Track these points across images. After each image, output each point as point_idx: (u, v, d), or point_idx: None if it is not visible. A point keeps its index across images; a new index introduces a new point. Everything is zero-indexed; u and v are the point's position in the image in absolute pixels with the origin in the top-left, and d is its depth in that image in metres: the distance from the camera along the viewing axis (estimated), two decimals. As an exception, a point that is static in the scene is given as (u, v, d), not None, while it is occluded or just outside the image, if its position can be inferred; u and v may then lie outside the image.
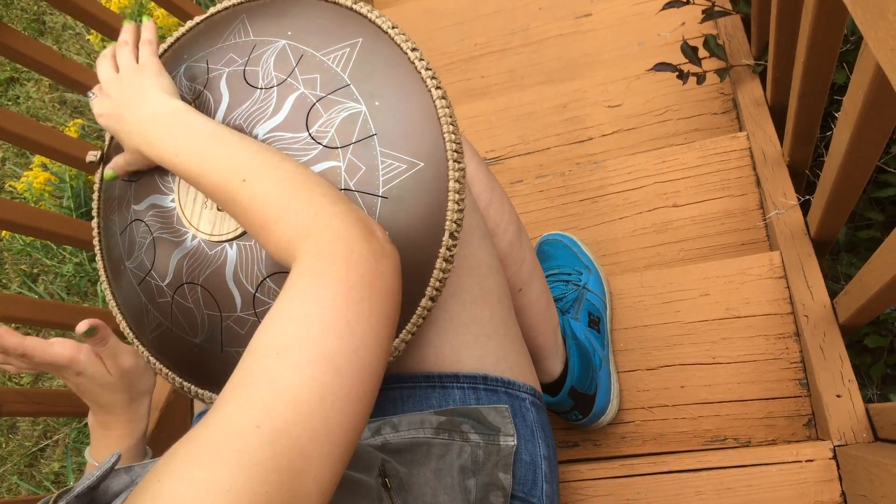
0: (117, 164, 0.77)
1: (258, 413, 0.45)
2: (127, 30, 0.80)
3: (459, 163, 0.71)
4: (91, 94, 0.77)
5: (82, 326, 0.71)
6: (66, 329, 1.17)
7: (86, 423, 1.84)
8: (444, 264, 0.71)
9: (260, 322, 0.70)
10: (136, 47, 0.79)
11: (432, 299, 0.71)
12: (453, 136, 0.71)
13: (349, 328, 0.50)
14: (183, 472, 0.42)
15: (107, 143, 0.84)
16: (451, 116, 0.72)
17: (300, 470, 0.44)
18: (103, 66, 0.78)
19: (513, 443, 0.76)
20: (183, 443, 0.45)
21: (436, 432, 0.72)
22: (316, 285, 0.51)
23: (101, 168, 0.84)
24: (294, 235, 0.56)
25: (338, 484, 0.48)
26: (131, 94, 0.73)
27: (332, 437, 0.47)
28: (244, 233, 0.70)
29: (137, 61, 0.76)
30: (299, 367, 0.47)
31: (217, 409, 0.46)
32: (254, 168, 0.61)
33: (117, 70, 0.77)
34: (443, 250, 0.70)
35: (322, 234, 0.55)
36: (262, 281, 0.70)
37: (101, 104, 0.75)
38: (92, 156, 0.84)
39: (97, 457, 0.78)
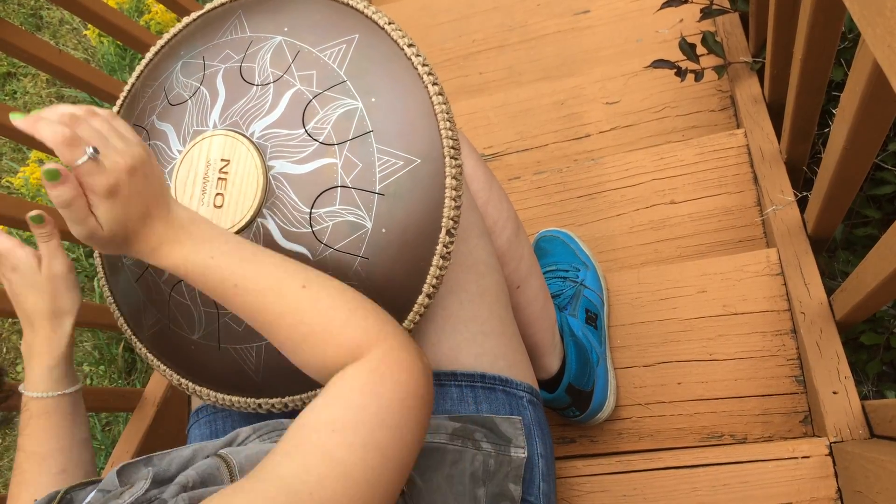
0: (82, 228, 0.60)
1: (312, 481, 0.48)
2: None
3: (456, 159, 0.71)
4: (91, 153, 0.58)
5: (34, 212, 0.71)
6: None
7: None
8: (442, 261, 0.71)
9: None
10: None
11: (429, 296, 0.71)
12: (450, 133, 0.71)
13: (399, 428, 0.54)
14: None
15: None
16: (447, 113, 0.72)
17: None
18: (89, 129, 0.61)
19: (523, 455, 0.77)
20: (238, 492, 0.48)
21: (450, 438, 0.72)
22: (379, 384, 0.55)
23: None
24: (364, 339, 0.59)
25: None
26: (150, 182, 0.61)
27: None
28: (241, 229, 0.70)
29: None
30: (353, 448, 0.51)
31: (270, 468, 0.49)
32: (310, 275, 0.62)
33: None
34: (440, 247, 0.70)
35: (391, 341, 0.59)
36: None
37: (111, 170, 0.58)
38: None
39: (27, 384, 0.76)
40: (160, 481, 0.56)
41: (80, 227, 0.59)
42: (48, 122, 0.57)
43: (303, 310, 0.60)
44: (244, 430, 0.66)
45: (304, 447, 0.51)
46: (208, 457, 0.58)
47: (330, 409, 0.54)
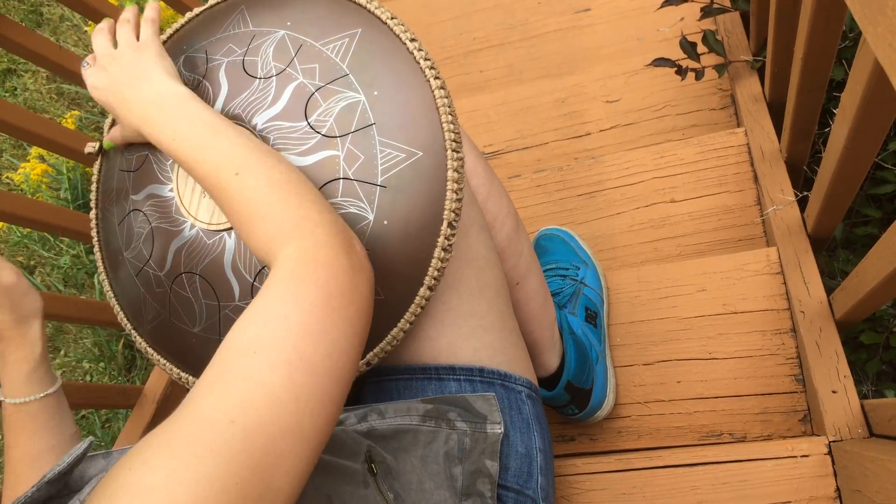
0: (114, 135, 0.79)
1: (234, 409, 0.46)
2: (129, 10, 0.80)
3: (458, 152, 0.71)
4: (85, 64, 0.77)
5: None
6: (64, 321, 1.17)
7: (83, 416, 1.84)
8: (443, 254, 0.71)
9: None
10: (137, 26, 0.78)
11: (430, 289, 0.71)
12: (452, 126, 0.71)
13: (326, 333, 0.51)
14: (155, 462, 0.42)
15: (104, 135, 0.84)
16: (449, 107, 0.72)
17: (272, 465, 0.45)
18: (100, 40, 0.77)
19: (499, 430, 0.77)
20: (156, 434, 0.45)
21: (422, 419, 0.73)
22: (297, 288, 0.53)
23: (99, 159, 0.84)
24: (277, 235, 0.58)
25: (307, 479, 0.49)
26: (133, 72, 0.72)
27: (305, 435, 0.48)
28: None
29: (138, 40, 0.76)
30: (276, 367, 0.48)
31: (192, 402, 0.47)
32: (248, 164, 0.62)
33: (115, 45, 0.76)
34: (441, 240, 0.70)
35: (306, 239, 0.56)
36: (260, 270, 0.70)
37: (97, 77, 0.74)
38: (90, 147, 0.84)
39: (7, 392, 0.77)
40: None
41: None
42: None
43: (231, 198, 0.61)
44: None
45: (226, 377, 0.48)
46: None
47: (252, 325, 0.51)
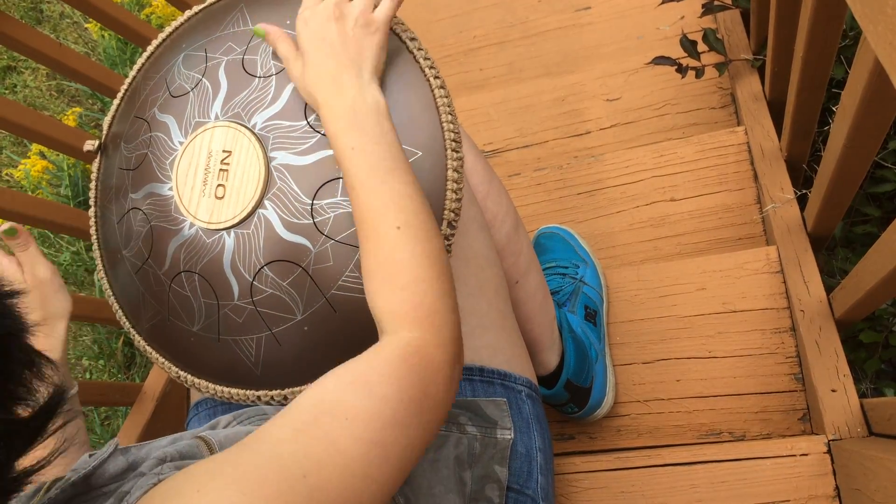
0: (273, 34, 0.71)
1: (310, 466, 0.47)
2: None
3: (458, 152, 0.71)
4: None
5: (4, 225, 0.72)
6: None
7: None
8: None
9: (257, 310, 0.70)
10: None
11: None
12: (452, 126, 0.71)
13: (409, 428, 0.53)
14: (226, 493, 0.43)
15: (104, 132, 0.83)
16: (449, 106, 0.72)
17: None
18: None
19: (510, 436, 0.77)
20: (229, 459, 0.46)
21: None
22: (405, 378, 0.54)
23: (98, 157, 0.83)
24: (409, 312, 0.59)
25: None
26: (350, 52, 0.66)
27: None
28: (242, 221, 0.70)
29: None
30: (359, 442, 0.50)
31: (273, 440, 0.48)
32: (412, 222, 0.62)
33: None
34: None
35: (433, 335, 0.58)
36: (259, 269, 0.70)
37: (316, 14, 0.67)
38: (90, 145, 0.83)
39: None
40: (138, 467, 0.55)
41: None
42: None
43: (384, 247, 0.61)
44: (224, 418, 0.66)
45: (313, 431, 0.49)
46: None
47: (352, 390, 0.52)
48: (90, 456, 0.54)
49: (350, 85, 0.65)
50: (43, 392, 0.42)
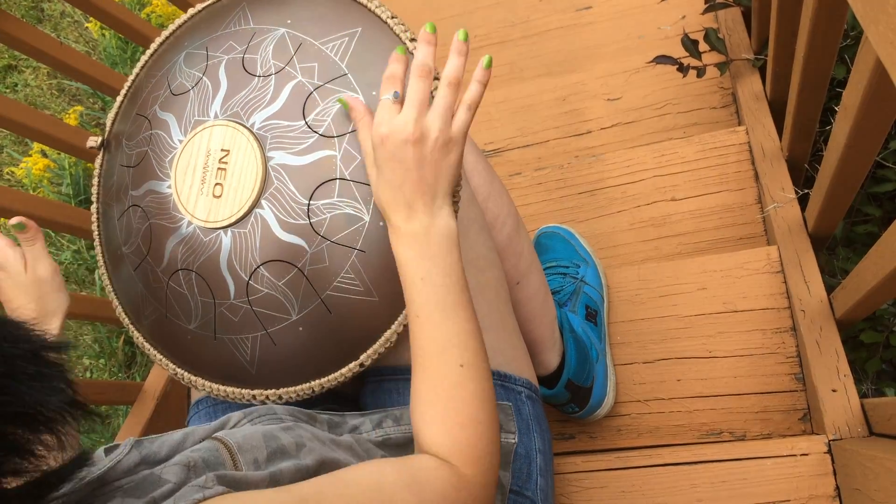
0: (357, 110, 0.68)
1: None
2: (456, 64, 0.66)
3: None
4: (395, 94, 0.65)
5: (14, 220, 0.74)
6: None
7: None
8: None
9: (253, 310, 0.70)
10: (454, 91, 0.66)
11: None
12: None
13: None
14: None
15: (107, 129, 0.83)
16: None
17: None
18: (422, 85, 0.65)
19: (513, 440, 0.77)
20: None
21: None
22: (423, 499, 0.56)
23: (101, 154, 0.84)
24: (464, 450, 0.61)
25: None
26: (427, 178, 0.64)
27: None
28: (239, 220, 0.70)
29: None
30: None
31: None
32: (476, 361, 0.64)
33: (420, 106, 0.64)
34: None
35: (482, 476, 0.61)
36: (255, 269, 0.70)
37: (379, 148, 0.64)
38: (93, 141, 0.83)
39: None
40: (151, 462, 0.55)
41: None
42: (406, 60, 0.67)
43: (445, 381, 0.62)
44: (235, 415, 0.66)
45: None
46: (202, 440, 0.58)
47: (408, 499, 0.55)
48: (106, 452, 0.54)
49: (423, 212, 0.64)
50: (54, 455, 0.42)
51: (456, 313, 0.64)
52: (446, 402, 0.62)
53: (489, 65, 0.68)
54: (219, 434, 0.58)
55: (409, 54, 0.71)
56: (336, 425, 0.72)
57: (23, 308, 0.75)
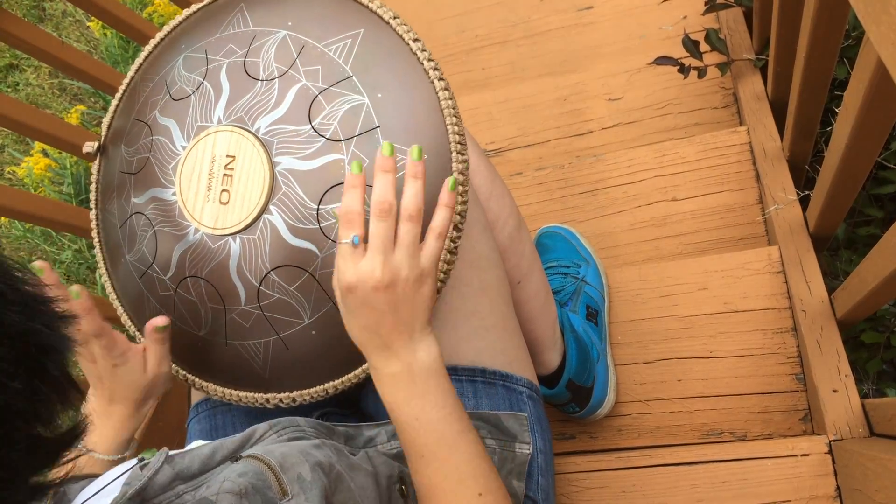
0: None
1: None
2: (413, 195, 0.62)
3: (462, 154, 0.71)
4: (354, 241, 0.60)
5: (161, 321, 0.70)
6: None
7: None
8: (449, 256, 0.71)
9: (264, 315, 0.70)
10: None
11: (437, 291, 0.71)
12: (456, 129, 0.71)
13: None
14: None
15: (103, 134, 0.83)
16: (454, 108, 0.71)
17: None
18: (383, 227, 0.60)
19: (528, 451, 0.76)
20: None
21: None
22: None
23: (98, 159, 0.83)
24: None
25: None
26: (402, 317, 0.61)
27: None
28: (247, 226, 0.70)
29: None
30: None
31: None
32: (493, 489, 0.62)
33: (387, 241, 0.61)
34: (447, 242, 0.70)
35: None
36: (266, 274, 0.70)
37: (349, 297, 0.61)
38: (89, 146, 0.82)
39: (93, 443, 0.76)
40: (185, 477, 0.54)
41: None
42: (354, 189, 0.61)
43: None
44: (260, 427, 0.64)
45: None
46: (237, 458, 0.57)
47: None
48: (140, 465, 0.54)
49: (403, 351, 0.62)
50: (63, 419, 0.41)
51: (461, 441, 0.62)
52: None
53: (454, 187, 0.64)
54: (257, 453, 0.56)
55: (415, 59, 0.71)
56: (352, 437, 0.72)
57: (126, 394, 0.72)
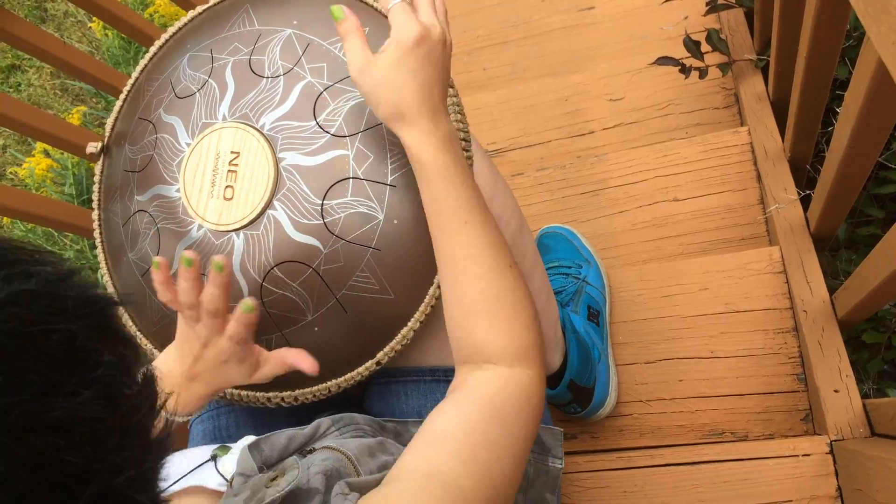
0: None
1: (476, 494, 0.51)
2: None
3: (468, 151, 0.71)
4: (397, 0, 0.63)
5: (251, 301, 0.68)
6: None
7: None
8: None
9: (267, 311, 0.70)
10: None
11: (440, 287, 0.71)
12: (461, 126, 0.71)
13: (507, 461, 0.55)
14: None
15: (107, 134, 0.83)
16: (458, 105, 0.72)
17: None
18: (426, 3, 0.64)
19: (560, 465, 0.77)
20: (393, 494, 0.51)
21: None
22: (510, 424, 0.57)
23: (101, 159, 0.83)
24: (507, 346, 0.60)
25: None
26: (446, 74, 0.65)
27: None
28: (251, 222, 0.70)
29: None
30: (470, 477, 0.52)
31: (450, 481, 0.52)
32: (514, 262, 0.63)
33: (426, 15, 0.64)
34: None
35: (540, 369, 0.61)
36: (269, 270, 0.70)
37: (418, 44, 0.61)
38: (92, 147, 0.82)
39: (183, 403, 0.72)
40: (269, 465, 0.58)
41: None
42: None
43: (506, 285, 0.61)
44: (324, 422, 0.66)
45: (477, 469, 0.53)
46: (311, 450, 0.59)
47: (496, 428, 0.55)
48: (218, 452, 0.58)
49: (446, 113, 0.64)
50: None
51: (488, 212, 0.64)
52: (512, 306, 0.61)
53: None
54: (333, 445, 0.59)
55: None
56: (399, 434, 0.72)
57: (219, 374, 0.70)
